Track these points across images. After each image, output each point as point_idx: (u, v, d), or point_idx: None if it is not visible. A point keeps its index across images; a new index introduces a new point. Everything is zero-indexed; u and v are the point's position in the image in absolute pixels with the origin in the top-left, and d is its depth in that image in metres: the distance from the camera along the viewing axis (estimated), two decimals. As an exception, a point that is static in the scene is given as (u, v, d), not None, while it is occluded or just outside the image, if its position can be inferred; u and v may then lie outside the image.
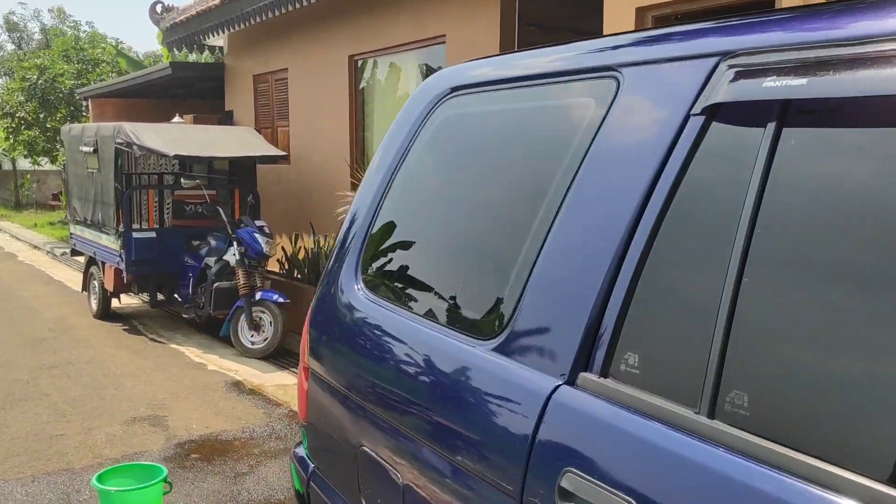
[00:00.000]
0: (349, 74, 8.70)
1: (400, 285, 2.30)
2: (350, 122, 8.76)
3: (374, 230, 2.37)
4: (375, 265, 2.38)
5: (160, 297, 8.26)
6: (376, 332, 2.22)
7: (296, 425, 5.25)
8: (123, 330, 8.28)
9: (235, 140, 7.93)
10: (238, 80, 11.16)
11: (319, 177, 9.25)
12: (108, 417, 5.42)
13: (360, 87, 8.76)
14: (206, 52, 12.00)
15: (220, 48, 11.85)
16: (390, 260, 2.38)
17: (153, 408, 5.65)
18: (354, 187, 8.82)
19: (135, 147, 7.38)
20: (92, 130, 8.51)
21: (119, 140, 7.60)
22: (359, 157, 8.81)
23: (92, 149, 8.34)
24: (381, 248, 2.38)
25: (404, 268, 2.36)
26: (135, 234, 7.72)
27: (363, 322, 2.27)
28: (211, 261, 7.61)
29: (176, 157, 6.99)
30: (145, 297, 8.62)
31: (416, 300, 2.19)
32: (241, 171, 8.64)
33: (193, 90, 12.73)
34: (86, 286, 9.25)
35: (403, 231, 2.35)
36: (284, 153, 7.61)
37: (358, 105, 8.80)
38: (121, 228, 7.77)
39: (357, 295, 2.31)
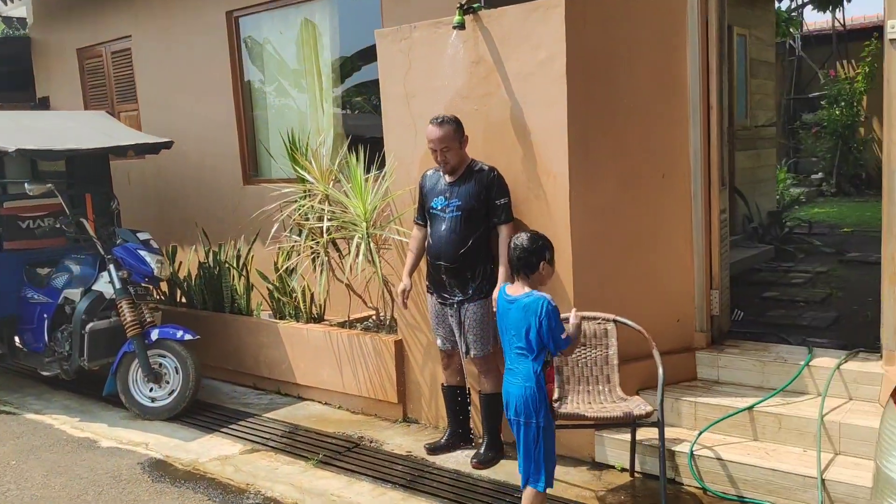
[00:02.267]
0: (229, 37, 6.84)
1: None
2: (235, 100, 6.91)
3: None
4: None
5: (-4, 350, 5.98)
6: None
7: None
8: (-59, 402, 5.94)
9: (90, 127, 5.84)
10: (54, 57, 8.74)
11: (195, 170, 7.30)
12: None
13: (243, 52, 6.94)
14: (-1, 26, 9.36)
15: (18, 19, 9.27)
16: None
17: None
18: (250, 179, 6.99)
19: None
20: None
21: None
22: (250, 142, 6.99)
23: None
24: None
25: None
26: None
27: None
28: (75, 293, 5.53)
29: (18, 153, 4.84)
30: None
31: None
32: (85, 169, 6.46)
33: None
34: None
35: None
36: (169, 140, 5.68)
37: (242, 77, 6.97)
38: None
39: None
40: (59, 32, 8.55)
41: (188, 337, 5.23)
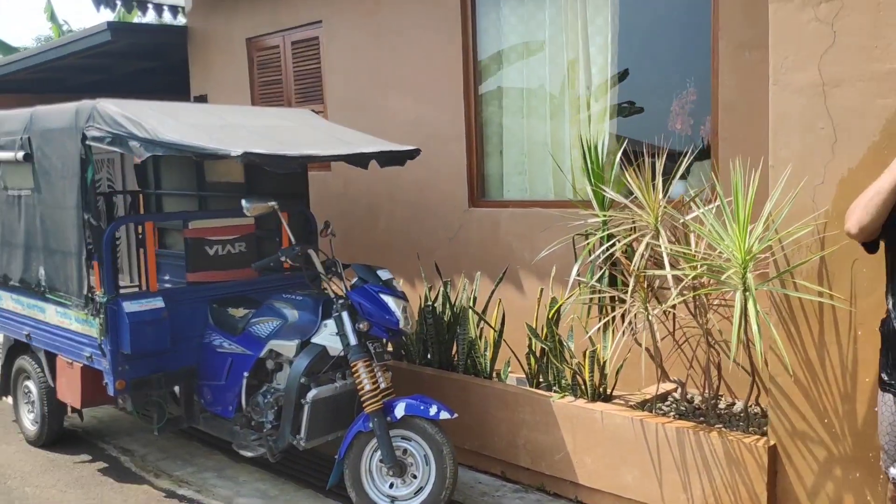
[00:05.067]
0: (462, 24, 5.44)
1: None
2: (465, 100, 5.49)
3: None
4: None
5: (170, 411, 4.63)
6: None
7: None
8: (98, 471, 4.66)
9: (312, 129, 4.46)
10: (216, 49, 7.53)
11: (399, 186, 5.91)
12: None
13: (478, 44, 5.53)
14: (150, 13, 8.24)
15: (174, 8, 8.15)
16: None
17: None
18: (477, 201, 5.55)
19: (135, 145, 3.82)
20: (17, 120, 4.79)
21: (95, 132, 4.02)
22: (479, 154, 5.54)
23: (20, 153, 4.65)
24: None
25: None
26: (128, 306, 4.14)
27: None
28: (287, 346, 4.15)
29: (245, 158, 3.43)
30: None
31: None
32: (274, 181, 5.11)
33: (125, 73, 8.90)
34: (7, 389, 5.46)
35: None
36: (416, 147, 4.26)
37: (475, 76, 5.54)
38: (97, 295, 4.17)
39: None
40: (225, 20, 7.34)
41: (445, 415, 3.77)
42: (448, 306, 4.76)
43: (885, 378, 2.76)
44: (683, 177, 3.86)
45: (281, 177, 4.85)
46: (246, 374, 4.28)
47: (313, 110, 6.33)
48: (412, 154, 4.25)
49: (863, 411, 3.15)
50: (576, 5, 4.95)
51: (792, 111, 3.22)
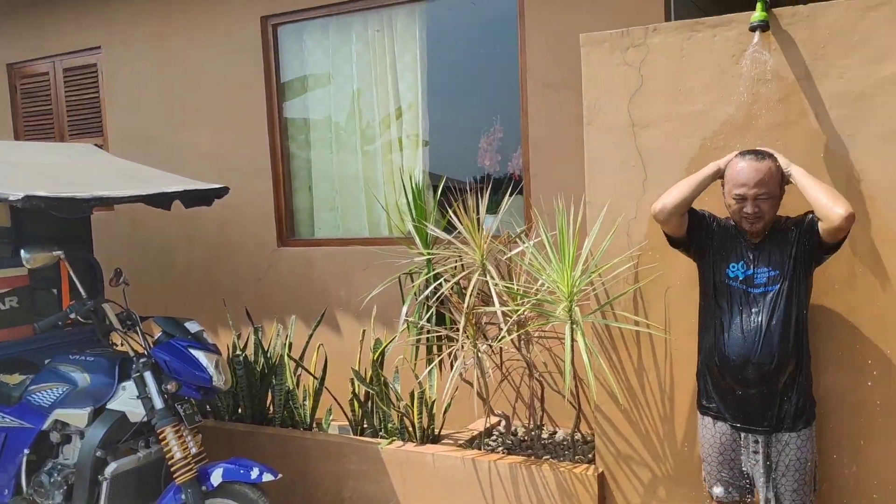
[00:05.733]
0: (265, 52, 5.16)
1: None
2: (269, 129, 5.20)
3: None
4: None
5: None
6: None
7: None
8: None
9: (101, 167, 3.92)
10: (-34, 74, 6.57)
11: (196, 225, 5.46)
12: None
13: (281, 71, 5.28)
14: None
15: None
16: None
17: None
18: (287, 240, 5.27)
19: None
20: None
21: None
22: (288, 191, 5.27)
23: None
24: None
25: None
26: None
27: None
28: (76, 416, 3.58)
29: (26, 202, 2.86)
30: None
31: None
32: (49, 224, 4.46)
33: None
34: None
35: None
36: (224, 185, 3.86)
37: (280, 106, 5.28)
38: None
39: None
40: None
41: (269, 477, 3.45)
42: (261, 354, 4.43)
43: (705, 403, 2.93)
44: (495, 212, 3.91)
45: (58, 220, 4.25)
46: (26, 450, 3.66)
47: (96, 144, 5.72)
48: (220, 193, 3.91)
49: (682, 431, 3.33)
50: (383, 41, 4.91)
51: (605, 150, 3.37)
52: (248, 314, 4.65)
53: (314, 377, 4.31)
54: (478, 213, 3.64)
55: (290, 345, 4.44)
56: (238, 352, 4.40)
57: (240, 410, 4.48)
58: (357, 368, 4.14)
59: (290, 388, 4.34)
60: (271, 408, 4.43)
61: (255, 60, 5.22)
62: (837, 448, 3.04)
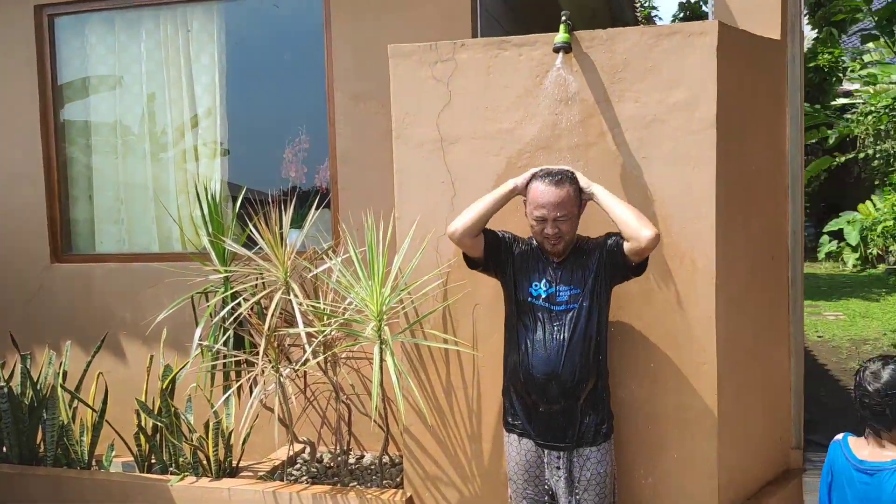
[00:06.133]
0: (38, 42, 4.56)
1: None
2: (43, 132, 4.60)
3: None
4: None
5: None
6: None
7: None
8: None
9: None
10: None
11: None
12: None
13: (58, 67, 4.70)
14: None
15: None
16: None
17: None
18: (62, 256, 4.69)
19: None
20: None
21: None
22: (63, 196, 4.69)
23: None
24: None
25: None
26: None
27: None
28: None
29: None
30: None
31: None
32: None
33: None
34: None
35: None
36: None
37: (55, 107, 4.69)
38: None
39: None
40: None
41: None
42: (30, 385, 3.89)
43: (510, 420, 2.92)
44: (300, 227, 3.70)
45: None
46: None
47: None
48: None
49: (489, 450, 3.30)
50: (177, 40, 4.53)
51: (415, 165, 3.29)
52: (13, 340, 4.07)
53: (93, 410, 3.83)
54: (281, 228, 3.42)
55: (65, 374, 3.94)
56: (1, 383, 3.82)
57: (4, 449, 3.90)
58: (143, 399, 3.74)
59: (65, 422, 3.85)
60: (42, 445, 3.90)
61: (27, 55, 4.63)
62: (634, 460, 3.15)
